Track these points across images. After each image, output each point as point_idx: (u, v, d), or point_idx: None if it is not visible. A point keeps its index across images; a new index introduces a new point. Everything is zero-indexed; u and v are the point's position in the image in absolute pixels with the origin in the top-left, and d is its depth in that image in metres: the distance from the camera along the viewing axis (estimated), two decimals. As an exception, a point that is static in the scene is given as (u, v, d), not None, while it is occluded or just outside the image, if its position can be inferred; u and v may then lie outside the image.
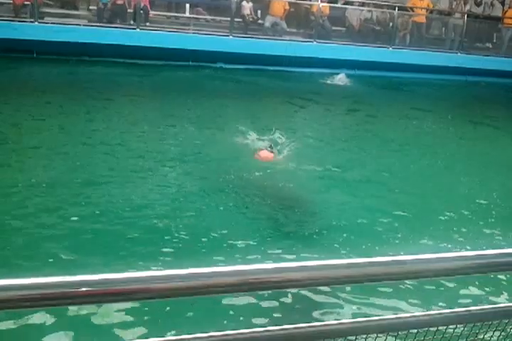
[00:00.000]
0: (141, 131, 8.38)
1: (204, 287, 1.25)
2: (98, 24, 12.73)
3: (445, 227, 6.11)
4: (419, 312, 1.65)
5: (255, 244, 5.25)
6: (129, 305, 3.80)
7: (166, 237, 5.18)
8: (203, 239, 5.20)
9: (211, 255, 4.82)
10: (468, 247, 5.41)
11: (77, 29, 12.21)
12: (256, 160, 7.42)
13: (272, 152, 7.68)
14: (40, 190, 5.93)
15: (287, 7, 14.81)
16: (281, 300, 4.17)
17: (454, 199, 7.00)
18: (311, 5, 15.12)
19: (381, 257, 1.41)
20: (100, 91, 10.26)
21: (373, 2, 15.92)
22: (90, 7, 13.61)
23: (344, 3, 15.85)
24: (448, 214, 6.49)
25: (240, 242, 5.23)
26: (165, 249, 4.95)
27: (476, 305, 1.73)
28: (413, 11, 15.93)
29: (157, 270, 1.23)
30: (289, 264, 1.33)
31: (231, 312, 4.02)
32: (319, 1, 14.73)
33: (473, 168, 8.47)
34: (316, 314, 4.19)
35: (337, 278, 1.38)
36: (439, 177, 7.86)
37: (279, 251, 5.11)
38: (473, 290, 4.68)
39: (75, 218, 5.38)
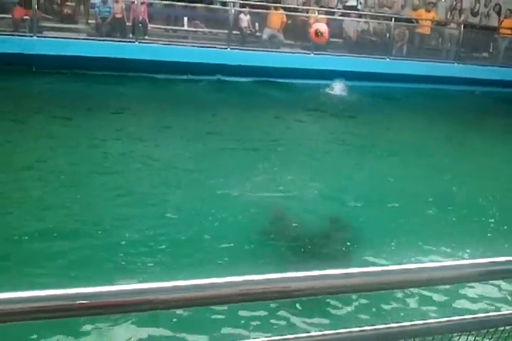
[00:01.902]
0: (143, 144, 8.41)
1: (201, 298, 1.25)
2: (97, 38, 12.81)
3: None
4: (419, 321, 1.65)
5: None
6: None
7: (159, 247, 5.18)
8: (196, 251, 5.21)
9: (204, 267, 4.83)
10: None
11: (76, 43, 12.28)
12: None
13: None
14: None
15: (285, 19, 14.93)
16: (278, 310, 4.15)
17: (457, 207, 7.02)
18: (308, 17, 15.24)
19: (374, 267, 1.41)
20: (99, 105, 10.29)
21: (370, 13, 16.09)
22: (89, 21, 13.70)
23: (341, 15, 15.97)
24: (450, 219, 6.51)
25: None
26: (159, 260, 4.95)
27: (483, 312, 1.73)
28: (417, 22, 16.06)
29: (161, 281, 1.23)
30: (289, 274, 1.32)
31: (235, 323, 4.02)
32: (316, 13, 14.85)
33: (472, 177, 8.53)
34: (312, 324, 4.18)
35: (336, 287, 1.38)
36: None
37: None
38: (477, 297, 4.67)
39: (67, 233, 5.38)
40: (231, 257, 5.30)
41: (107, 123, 9.43)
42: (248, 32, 14.74)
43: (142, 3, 13.37)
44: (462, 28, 15.87)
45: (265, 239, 5.81)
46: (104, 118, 9.64)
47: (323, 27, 7.30)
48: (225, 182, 7.10)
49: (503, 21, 17.22)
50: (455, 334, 1.67)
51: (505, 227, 6.68)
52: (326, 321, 4.22)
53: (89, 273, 4.56)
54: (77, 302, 1.15)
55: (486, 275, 1.54)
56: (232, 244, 5.58)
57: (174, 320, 3.98)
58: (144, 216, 6.06)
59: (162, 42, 13.39)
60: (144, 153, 8.12)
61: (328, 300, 4.30)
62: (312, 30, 7.31)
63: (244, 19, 14.53)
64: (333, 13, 15.92)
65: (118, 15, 13.39)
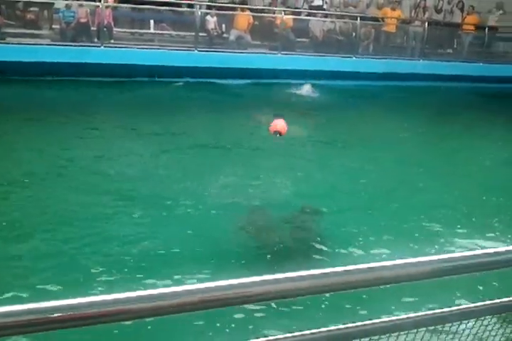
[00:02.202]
0: (107, 150, 8.36)
1: (170, 306, 1.25)
2: (61, 43, 12.70)
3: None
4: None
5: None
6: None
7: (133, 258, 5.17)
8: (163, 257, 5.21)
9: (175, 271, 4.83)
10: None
11: (40, 49, 12.15)
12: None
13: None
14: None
15: (251, 21, 14.98)
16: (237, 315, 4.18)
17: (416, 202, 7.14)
18: (274, 17, 15.32)
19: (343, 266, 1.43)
20: (63, 111, 10.18)
21: (336, 13, 16.23)
22: (53, 26, 13.56)
23: (307, 15, 16.10)
24: (410, 217, 6.62)
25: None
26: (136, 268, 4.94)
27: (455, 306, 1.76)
28: (383, 20, 16.25)
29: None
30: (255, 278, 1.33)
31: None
32: (283, 14, 14.95)
33: (436, 166, 8.71)
34: (288, 324, 4.21)
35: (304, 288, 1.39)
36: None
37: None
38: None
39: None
40: (202, 260, 5.30)
41: (75, 128, 9.33)
42: (215, 33, 14.76)
43: (107, 7, 13.31)
44: (426, 25, 16.11)
45: (237, 238, 5.83)
46: (72, 124, 9.54)
47: (282, 128, 7.37)
48: (193, 182, 7.11)
49: (466, 17, 17.55)
50: (413, 330, 1.69)
51: (473, 221, 6.79)
52: (290, 323, 4.25)
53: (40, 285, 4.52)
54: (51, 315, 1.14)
55: (439, 272, 1.55)
56: (202, 247, 5.57)
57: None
58: (112, 218, 6.04)
59: (128, 46, 13.33)
60: (111, 157, 8.08)
61: (292, 303, 4.32)
62: (271, 130, 7.43)
63: (211, 21, 14.55)
64: (299, 13, 16.04)
65: (83, 20, 13.28)
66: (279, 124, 7.35)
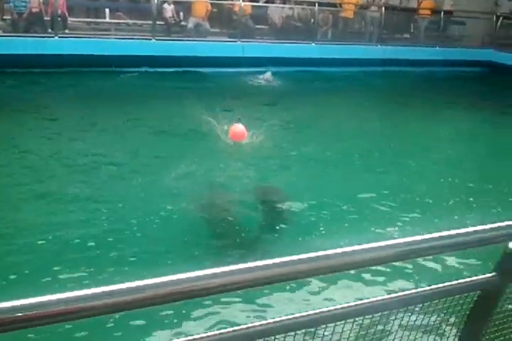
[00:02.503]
0: (63, 143, 8.23)
1: (128, 302, 1.25)
2: (14, 34, 12.37)
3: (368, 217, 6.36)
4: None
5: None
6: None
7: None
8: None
9: (136, 265, 4.83)
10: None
11: (-9, 40, 11.83)
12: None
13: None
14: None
15: (209, 8, 14.86)
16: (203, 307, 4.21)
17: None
18: (233, 4, 15.22)
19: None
20: (16, 104, 9.94)
21: (294, -1, 16.23)
22: (4, 17, 13.17)
23: (265, 2, 16.04)
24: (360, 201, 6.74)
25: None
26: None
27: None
28: (341, 6, 16.31)
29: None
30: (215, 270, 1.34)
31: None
32: (241, 1, 14.85)
33: (394, 150, 8.90)
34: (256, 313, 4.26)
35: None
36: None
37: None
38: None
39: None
40: (166, 251, 5.30)
41: (31, 121, 9.14)
42: (173, 22, 14.59)
43: (60, -5, 12.98)
44: (383, 11, 16.26)
45: (197, 227, 5.86)
46: (28, 117, 9.34)
47: (240, 136, 7.49)
48: (154, 171, 7.08)
49: (421, 2, 17.80)
50: (377, 314, 1.73)
51: (430, 203, 6.94)
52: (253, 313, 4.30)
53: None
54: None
55: (399, 255, 1.61)
56: (165, 238, 5.57)
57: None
58: (72, 211, 5.98)
59: (84, 36, 13.08)
60: (71, 149, 7.97)
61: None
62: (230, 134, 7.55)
63: (168, 9, 14.36)
64: (257, 0, 15.97)
65: (35, 10, 12.95)
66: (236, 133, 7.50)
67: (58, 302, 1.19)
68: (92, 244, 5.24)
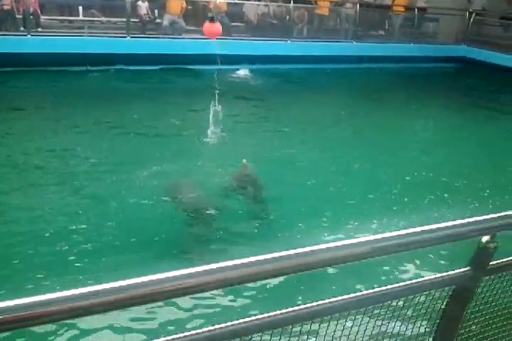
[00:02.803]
0: (38, 143, 8.11)
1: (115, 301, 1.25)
2: (-16, 32, 12.14)
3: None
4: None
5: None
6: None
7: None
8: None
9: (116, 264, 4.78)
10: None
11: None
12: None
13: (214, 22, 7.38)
14: None
15: (184, 5, 14.75)
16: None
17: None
18: (208, 1, 15.13)
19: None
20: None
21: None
22: (-26, 15, 12.90)
23: (241, -1, 15.99)
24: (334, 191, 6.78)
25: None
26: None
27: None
28: (316, 3, 16.33)
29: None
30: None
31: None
32: (216, -2, 14.78)
33: (369, 145, 8.97)
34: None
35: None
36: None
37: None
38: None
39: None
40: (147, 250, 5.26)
41: (3, 122, 8.99)
42: (147, 19, 14.45)
43: (32, -7, 12.75)
44: (358, 8, 16.33)
45: (175, 223, 5.84)
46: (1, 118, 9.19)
47: (214, 33, 7.33)
48: (129, 170, 7.02)
49: (395, -1, 17.93)
50: (353, 311, 1.74)
51: (406, 199, 7.01)
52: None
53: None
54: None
55: (377, 251, 1.63)
56: (137, 236, 5.53)
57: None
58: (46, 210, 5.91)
59: (57, 34, 12.88)
60: (44, 148, 7.86)
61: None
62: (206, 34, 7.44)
63: (143, 6, 14.21)
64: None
65: (6, 7, 12.71)
66: (211, 30, 7.29)
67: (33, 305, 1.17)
68: (67, 242, 5.19)
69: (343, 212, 6.41)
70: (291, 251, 1.47)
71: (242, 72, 13.72)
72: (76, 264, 4.82)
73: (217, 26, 7.81)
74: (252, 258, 1.42)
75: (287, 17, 15.57)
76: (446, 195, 7.13)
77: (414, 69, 15.93)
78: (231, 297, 4.39)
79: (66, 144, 8.10)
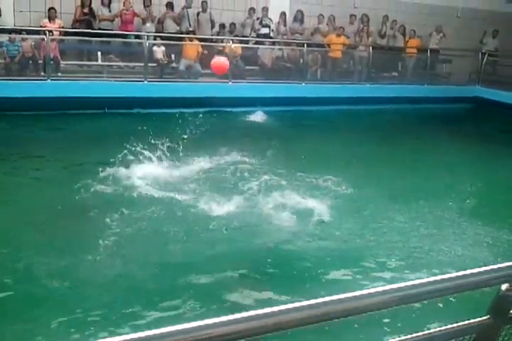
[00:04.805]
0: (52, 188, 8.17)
1: None
2: (6, 77, 12.50)
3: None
4: None
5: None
6: None
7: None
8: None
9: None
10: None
11: (-16, 84, 11.93)
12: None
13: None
14: None
15: (200, 50, 15.13)
16: None
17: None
18: (223, 46, 15.51)
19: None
20: (10, 149, 9.92)
21: (283, 40, 16.58)
22: (-2, 61, 13.36)
23: (255, 43, 16.38)
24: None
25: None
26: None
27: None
28: (329, 47, 16.67)
29: None
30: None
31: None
32: (231, 42, 15.15)
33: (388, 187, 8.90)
34: None
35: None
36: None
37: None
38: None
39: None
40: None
41: (20, 167, 9.10)
42: (165, 63, 14.81)
43: (53, 40, 13.20)
44: (371, 50, 16.61)
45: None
46: (17, 162, 9.31)
47: (221, 67, 7.43)
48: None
49: (408, 41, 18.25)
50: None
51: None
52: None
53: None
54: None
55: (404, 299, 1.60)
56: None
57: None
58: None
59: (76, 78, 13.23)
60: (59, 194, 7.90)
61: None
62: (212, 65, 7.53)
63: (159, 51, 14.61)
64: (247, 42, 16.31)
65: (28, 54, 13.16)
66: (219, 65, 7.30)
67: None
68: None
69: (361, 260, 6.29)
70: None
71: (258, 114, 13.90)
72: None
73: (223, 60, 7.88)
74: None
75: (301, 60, 15.86)
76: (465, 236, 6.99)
77: (428, 110, 16.01)
78: None
79: (82, 186, 8.14)
